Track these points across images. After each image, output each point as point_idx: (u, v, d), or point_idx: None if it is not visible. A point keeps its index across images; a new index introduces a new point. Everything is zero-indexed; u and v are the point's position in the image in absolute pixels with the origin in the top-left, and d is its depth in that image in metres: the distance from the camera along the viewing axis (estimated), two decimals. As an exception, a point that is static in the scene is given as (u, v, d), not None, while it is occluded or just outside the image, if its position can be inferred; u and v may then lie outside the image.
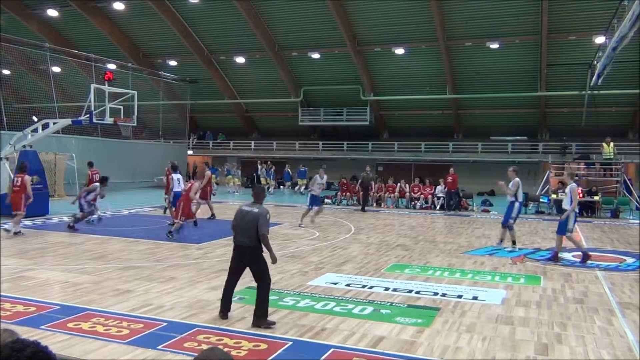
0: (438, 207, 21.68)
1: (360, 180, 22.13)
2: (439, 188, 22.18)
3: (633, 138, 29.68)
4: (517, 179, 12.36)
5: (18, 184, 12.77)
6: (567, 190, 10.80)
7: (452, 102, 31.86)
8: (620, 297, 7.75)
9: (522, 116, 32.15)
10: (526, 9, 25.86)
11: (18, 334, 1.85)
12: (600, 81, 20.94)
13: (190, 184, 13.41)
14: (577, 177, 11.28)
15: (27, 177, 12.85)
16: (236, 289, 7.68)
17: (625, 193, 21.44)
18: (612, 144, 23.01)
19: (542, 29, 25.80)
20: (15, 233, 12.29)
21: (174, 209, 13.86)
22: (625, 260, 11.02)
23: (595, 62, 21.42)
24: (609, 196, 20.77)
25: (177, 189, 14.47)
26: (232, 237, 6.51)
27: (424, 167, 31.58)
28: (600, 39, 22.13)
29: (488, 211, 21.22)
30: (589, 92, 25.93)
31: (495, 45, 27.64)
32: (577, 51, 26.88)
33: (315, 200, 16.53)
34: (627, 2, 13.75)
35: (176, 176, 14.88)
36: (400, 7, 27.10)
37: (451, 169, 21.99)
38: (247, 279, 8.38)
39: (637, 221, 18.50)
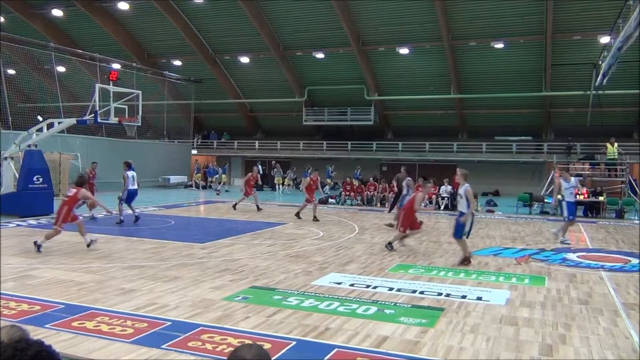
0: (442, 207, 21.64)
1: (396, 182, 21.07)
2: (442, 188, 22.13)
3: (638, 138, 29.58)
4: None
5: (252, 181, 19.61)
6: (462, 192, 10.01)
7: (456, 102, 31.83)
8: (625, 298, 7.72)
9: (527, 116, 32.10)
10: (531, 8, 25.81)
11: (26, 331, 1.85)
12: (605, 81, 20.87)
13: (413, 194, 12.20)
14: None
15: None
16: (240, 289, 7.71)
17: (630, 193, 21.35)
18: (616, 144, 22.90)
19: (547, 28, 25.75)
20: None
21: (130, 205, 14.99)
22: (630, 260, 10.96)
23: (600, 62, 21.34)
24: (613, 197, 20.70)
25: (131, 186, 14.91)
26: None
27: (428, 167, 31.54)
28: (605, 39, 22.06)
29: (492, 211, 21.17)
30: (594, 92, 25.83)
31: (499, 45, 27.60)
32: (582, 51, 26.81)
33: (573, 210, 13.50)
34: (633, 1, 13.71)
35: (131, 173, 15.08)
36: (404, 7, 27.09)
37: (458, 169, 21.78)
38: (250, 278, 8.40)
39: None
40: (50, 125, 17.26)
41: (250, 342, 2.01)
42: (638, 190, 21.74)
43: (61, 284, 7.82)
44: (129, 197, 15.07)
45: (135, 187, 15.19)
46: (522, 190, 24.23)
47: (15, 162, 17.01)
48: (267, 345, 5.39)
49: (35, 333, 5.54)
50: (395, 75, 31.98)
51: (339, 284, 8.19)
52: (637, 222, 18.60)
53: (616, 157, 22.64)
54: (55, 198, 17.43)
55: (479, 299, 7.49)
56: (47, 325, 5.82)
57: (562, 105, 30.81)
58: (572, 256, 11.26)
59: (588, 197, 19.98)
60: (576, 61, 27.12)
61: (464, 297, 7.54)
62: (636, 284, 8.70)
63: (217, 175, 32.04)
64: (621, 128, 29.87)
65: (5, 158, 16.77)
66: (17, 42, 26.36)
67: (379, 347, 5.46)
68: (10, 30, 27.46)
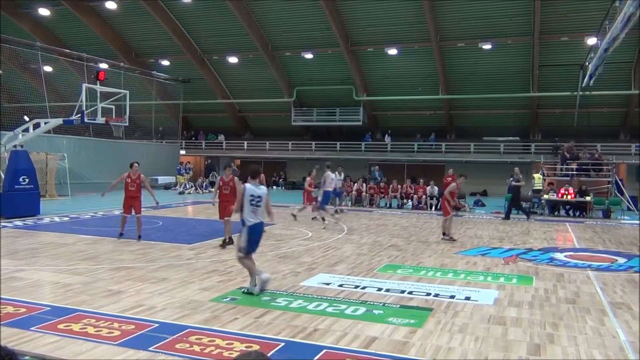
0: (433, 209, 21.33)
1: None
2: (428, 189, 21.99)
3: (624, 139, 29.87)
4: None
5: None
6: None
7: (444, 102, 31.95)
8: (612, 297, 7.78)
9: (515, 117, 32.29)
10: (518, 10, 25.97)
11: None
12: (592, 82, 21.04)
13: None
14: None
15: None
16: (228, 290, 7.68)
17: (617, 193, 21.52)
18: (539, 173, 22.48)
19: (535, 30, 25.92)
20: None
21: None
22: (617, 260, 11.06)
23: (587, 63, 21.52)
24: (600, 196, 20.86)
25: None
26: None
27: (416, 167, 31.67)
28: (592, 40, 22.23)
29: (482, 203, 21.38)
30: (580, 92, 26.06)
31: (487, 46, 27.75)
32: (569, 52, 27.03)
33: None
34: (619, 3, 13.84)
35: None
36: (393, 8, 27.16)
37: (450, 170, 21.91)
38: (239, 279, 8.36)
39: (628, 221, 18.61)
40: (36, 125, 17.11)
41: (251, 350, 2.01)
42: (624, 190, 21.95)
43: (47, 286, 7.75)
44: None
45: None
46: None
47: (1, 163, 16.82)
48: (255, 347, 5.38)
49: (21, 336, 5.49)
50: (384, 75, 32.04)
51: (328, 284, 8.18)
52: (624, 221, 18.79)
53: (542, 187, 21.99)
54: (41, 199, 17.27)
55: (467, 298, 7.51)
56: (32, 328, 5.74)
57: (549, 106, 31.03)
58: (559, 256, 11.34)
59: (575, 196, 20.13)
60: (563, 62, 27.34)
61: (452, 297, 7.56)
62: (623, 283, 8.77)
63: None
64: (608, 128, 30.16)
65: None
66: (3, 41, 26.05)
67: (368, 348, 5.45)
68: (-4, 29, 27.16)
